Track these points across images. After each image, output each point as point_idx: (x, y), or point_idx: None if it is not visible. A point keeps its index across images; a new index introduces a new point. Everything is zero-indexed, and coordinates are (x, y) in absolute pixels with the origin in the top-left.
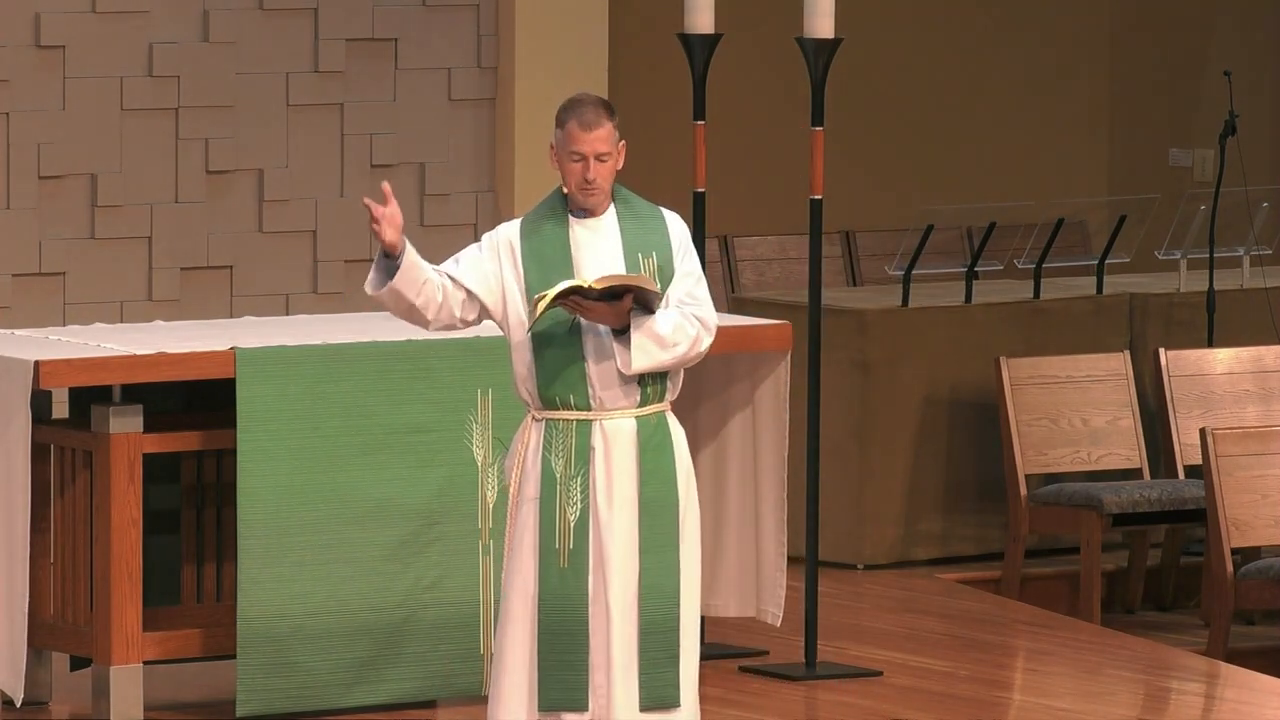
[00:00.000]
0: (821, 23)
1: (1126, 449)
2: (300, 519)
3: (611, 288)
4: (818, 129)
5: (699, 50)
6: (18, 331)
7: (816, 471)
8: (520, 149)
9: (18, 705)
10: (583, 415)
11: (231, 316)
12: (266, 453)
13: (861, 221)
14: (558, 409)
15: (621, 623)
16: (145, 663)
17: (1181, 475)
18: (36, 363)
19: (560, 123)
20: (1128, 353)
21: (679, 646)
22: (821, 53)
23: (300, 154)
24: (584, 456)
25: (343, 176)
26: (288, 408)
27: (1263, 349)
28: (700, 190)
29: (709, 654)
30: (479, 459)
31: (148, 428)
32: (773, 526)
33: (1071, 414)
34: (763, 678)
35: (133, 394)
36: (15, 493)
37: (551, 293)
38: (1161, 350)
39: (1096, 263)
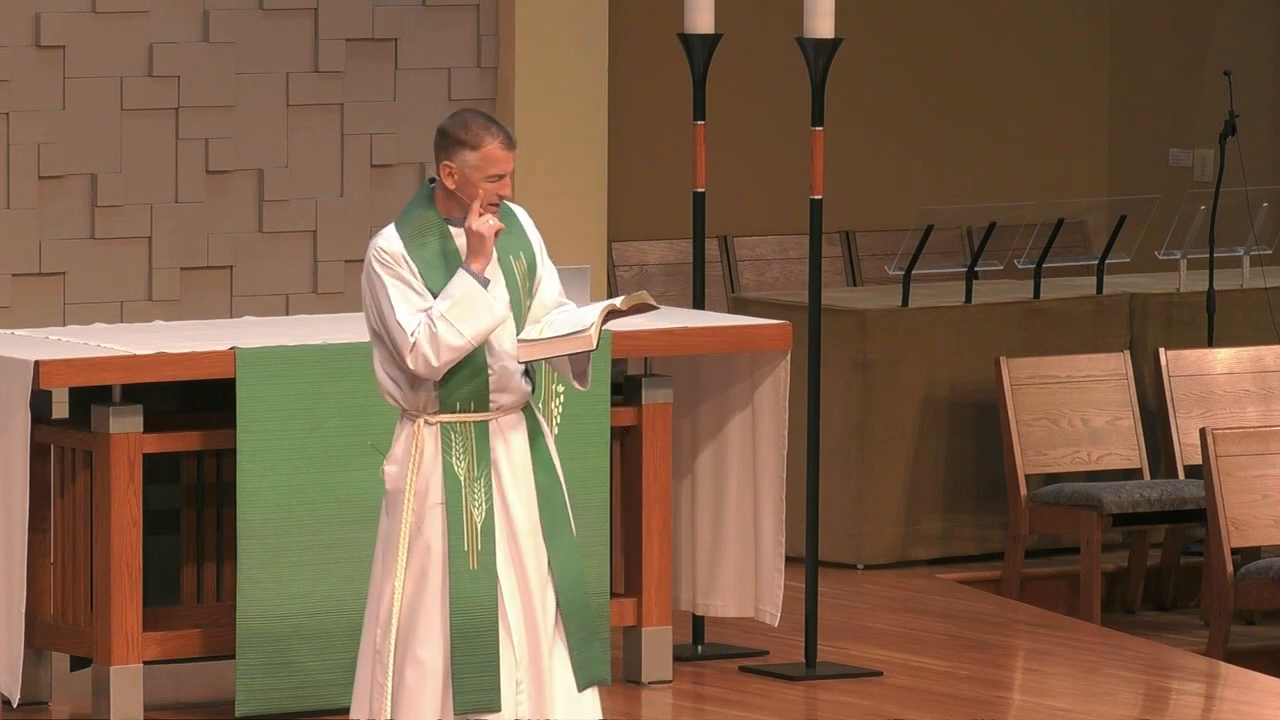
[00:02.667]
0: (821, 23)
1: (1126, 449)
2: (300, 519)
3: (636, 306)
4: (818, 129)
5: (699, 50)
6: (18, 331)
7: (816, 471)
8: (519, 149)
9: (14, 705)
10: (480, 416)
11: (231, 316)
12: (266, 453)
13: (861, 221)
14: (456, 412)
15: (542, 613)
16: (145, 663)
17: (1181, 475)
18: (36, 363)
19: (473, 145)
20: (1128, 353)
21: (596, 622)
22: (821, 53)
23: (300, 154)
24: (485, 457)
25: (343, 176)
26: (288, 408)
27: (1263, 349)
28: (700, 190)
29: (709, 654)
30: None
31: (148, 428)
32: (771, 527)
33: (1071, 414)
34: (763, 678)
35: (133, 394)
36: (15, 493)
37: (599, 320)
38: (1161, 350)
39: (1096, 263)
